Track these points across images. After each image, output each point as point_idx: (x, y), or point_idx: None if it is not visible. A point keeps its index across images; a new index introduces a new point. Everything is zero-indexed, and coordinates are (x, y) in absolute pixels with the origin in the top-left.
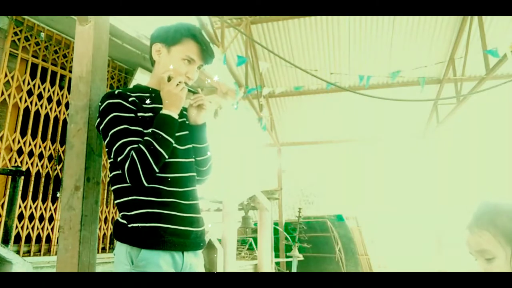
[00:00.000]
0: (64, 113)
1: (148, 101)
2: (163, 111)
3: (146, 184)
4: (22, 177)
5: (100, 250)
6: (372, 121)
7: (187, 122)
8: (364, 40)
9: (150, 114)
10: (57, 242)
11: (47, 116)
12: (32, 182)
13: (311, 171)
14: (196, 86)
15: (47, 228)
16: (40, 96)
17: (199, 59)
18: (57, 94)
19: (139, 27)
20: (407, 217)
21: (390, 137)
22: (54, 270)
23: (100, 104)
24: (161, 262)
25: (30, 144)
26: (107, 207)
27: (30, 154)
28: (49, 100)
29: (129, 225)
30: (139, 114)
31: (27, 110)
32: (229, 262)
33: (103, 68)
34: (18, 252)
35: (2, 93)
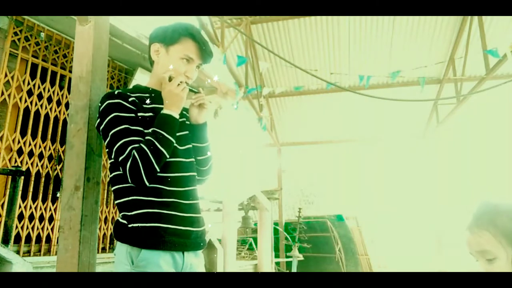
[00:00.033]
0: (64, 113)
1: (148, 101)
2: (164, 111)
3: (147, 184)
4: (22, 177)
5: (100, 250)
6: (372, 121)
7: (187, 122)
8: (364, 40)
9: (150, 114)
10: (57, 242)
11: (47, 116)
12: (32, 182)
13: (311, 171)
14: (196, 86)
15: (47, 228)
16: (40, 96)
17: (198, 58)
18: (57, 94)
19: (139, 27)
20: (407, 217)
21: (390, 137)
22: (54, 270)
23: (100, 104)
24: (162, 262)
25: (30, 144)
26: (107, 207)
27: (30, 154)
28: (49, 100)
29: (130, 225)
30: (139, 114)
31: (27, 110)
32: (229, 262)
33: (103, 68)
34: (18, 252)
35: (2, 93)
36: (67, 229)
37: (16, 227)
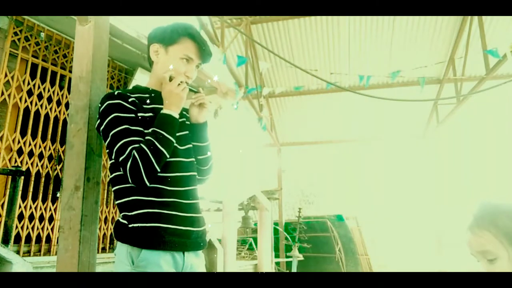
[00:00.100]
0: (64, 113)
1: (148, 101)
2: (164, 111)
3: (148, 184)
4: (22, 177)
5: (100, 250)
6: (372, 121)
7: (187, 122)
8: (364, 40)
9: (150, 114)
10: (57, 242)
11: (47, 116)
12: (32, 182)
13: (311, 171)
14: (196, 86)
15: (47, 228)
16: (40, 96)
17: (197, 58)
18: (57, 94)
19: (139, 27)
20: (407, 217)
21: (390, 137)
22: (54, 270)
23: (100, 105)
24: (162, 262)
25: (30, 144)
26: (107, 207)
27: (30, 154)
28: (49, 100)
29: (130, 225)
30: (139, 114)
31: (27, 110)
32: (229, 262)
33: (103, 68)
34: (18, 252)
35: (2, 93)
36: (67, 229)
37: (16, 227)
